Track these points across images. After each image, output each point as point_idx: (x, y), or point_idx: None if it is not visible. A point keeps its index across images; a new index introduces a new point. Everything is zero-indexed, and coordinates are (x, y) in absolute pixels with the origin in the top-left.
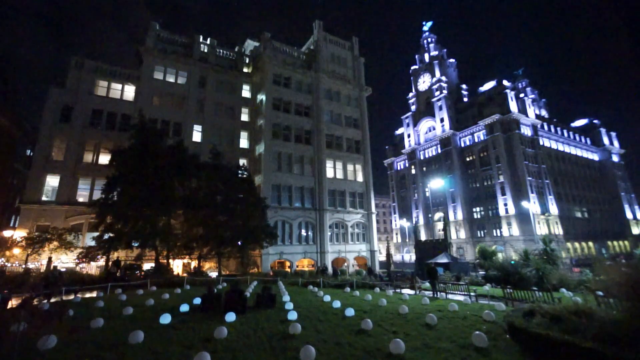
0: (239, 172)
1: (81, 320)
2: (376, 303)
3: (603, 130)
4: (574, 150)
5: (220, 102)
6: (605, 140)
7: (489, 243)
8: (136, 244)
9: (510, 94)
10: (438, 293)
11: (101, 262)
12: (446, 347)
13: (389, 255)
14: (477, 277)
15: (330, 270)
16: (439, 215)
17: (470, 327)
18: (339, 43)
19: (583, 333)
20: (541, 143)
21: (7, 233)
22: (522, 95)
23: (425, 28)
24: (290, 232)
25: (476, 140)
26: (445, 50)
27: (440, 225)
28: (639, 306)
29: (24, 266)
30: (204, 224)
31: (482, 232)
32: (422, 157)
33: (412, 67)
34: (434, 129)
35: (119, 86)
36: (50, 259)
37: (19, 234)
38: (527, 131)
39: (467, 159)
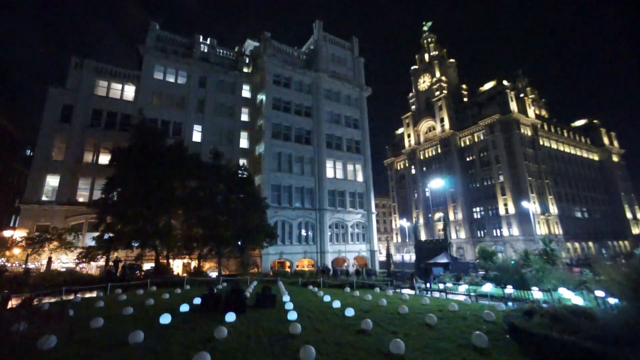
0: (239, 172)
1: (81, 320)
2: (376, 303)
3: (603, 130)
4: (574, 150)
5: (220, 102)
6: (605, 140)
7: (489, 243)
8: (136, 244)
9: (510, 94)
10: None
11: (101, 262)
12: (446, 347)
13: (389, 255)
14: (477, 277)
15: (330, 270)
16: (439, 215)
17: (470, 327)
18: (339, 43)
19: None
20: (541, 143)
21: (7, 233)
22: (522, 95)
23: (425, 28)
24: (290, 232)
25: (476, 140)
26: (445, 50)
27: (440, 225)
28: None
29: (24, 266)
30: (204, 224)
31: (482, 232)
32: (422, 157)
33: (412, 67)
34: (434, 129)
35: (119, 86)
36: (50, 259)
37: (19, 234)
38: (527, 131)
39: (467, 159)
